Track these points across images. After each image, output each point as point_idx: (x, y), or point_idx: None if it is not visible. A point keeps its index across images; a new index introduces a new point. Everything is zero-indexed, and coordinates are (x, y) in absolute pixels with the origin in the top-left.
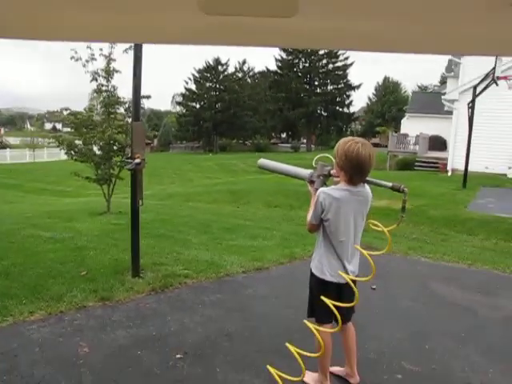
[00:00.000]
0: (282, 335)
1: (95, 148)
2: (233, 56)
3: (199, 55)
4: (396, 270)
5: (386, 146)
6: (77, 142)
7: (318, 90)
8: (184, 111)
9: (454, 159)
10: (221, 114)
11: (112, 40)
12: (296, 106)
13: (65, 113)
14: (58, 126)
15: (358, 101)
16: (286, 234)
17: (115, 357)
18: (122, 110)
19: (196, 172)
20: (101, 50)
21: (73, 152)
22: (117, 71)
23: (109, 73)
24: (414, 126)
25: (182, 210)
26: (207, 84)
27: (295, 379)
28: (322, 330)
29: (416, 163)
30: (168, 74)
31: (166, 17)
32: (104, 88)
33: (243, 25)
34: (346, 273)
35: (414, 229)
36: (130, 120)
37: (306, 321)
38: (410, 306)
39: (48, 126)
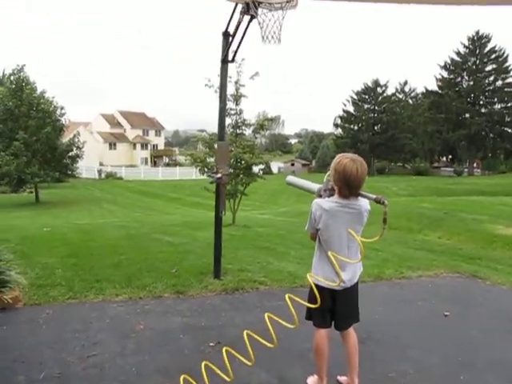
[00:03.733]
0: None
1: None
2: (393, 77)
3: (358, 77)
4: (488, 301)
5: None
6: (208, 160)
7: (483, 110)
8: (341, 133)
9: None
10: (378, 136)
11: None
12: (456, 128)
13: (202, 134)
14: None
15: None
16: (391, 255)
17: (160, 335)
18: (249, 131)
19: None
20: (230, 77)
21: (206, 169)
22: (244, 96)
23: (236, 98)
24: None
25: (303, 227)
26: (365, 106)
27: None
28: (316, 334)
29: None
30: (333, 96)
31: None
32: (233, 112)
33: None
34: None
35: None
36: (257, 141)
37: (266, 314)
38: (475, 335)
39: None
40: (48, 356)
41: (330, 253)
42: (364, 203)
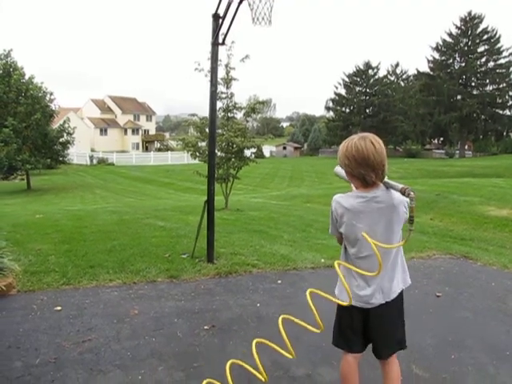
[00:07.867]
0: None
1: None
2: (384, 59)
3: (350, 59)
4: (479, 281)
5: None
6: (199, 144)
7: (475, 92)
8: (333, 116)
9: None
10: (370, 119)
11: None
12: (448, 110)
13: (193, 118)
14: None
15: None
16: None
17: (155, 320)
18: (240, 114)
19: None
20: (220, 60)
21: (197, 153)
22: (235, 79)
23: (227, 81)
24: None
25: (295, 211)
26: (357, 88)
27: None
28: (343, 358)
29: None
30: (324, 78)
31: None
32: (223, 95)
33: None
34: (373, 294)
35: None
36: (248, 124)
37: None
38: (465, 316)
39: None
40: (43, 342)
41: (364, 235)
42: (393, 193)
